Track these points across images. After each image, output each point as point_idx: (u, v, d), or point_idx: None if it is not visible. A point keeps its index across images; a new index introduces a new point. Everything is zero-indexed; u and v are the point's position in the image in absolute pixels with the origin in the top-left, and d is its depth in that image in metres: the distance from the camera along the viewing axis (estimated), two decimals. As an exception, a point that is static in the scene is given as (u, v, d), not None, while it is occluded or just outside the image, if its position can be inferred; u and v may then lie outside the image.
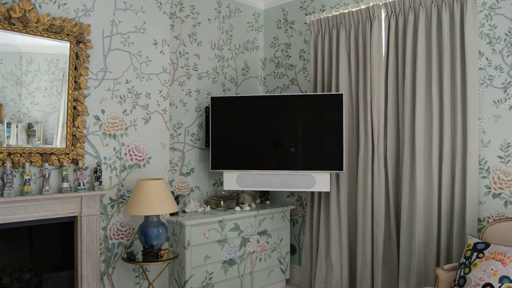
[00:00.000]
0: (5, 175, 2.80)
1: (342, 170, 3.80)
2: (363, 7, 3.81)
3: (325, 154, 3.92)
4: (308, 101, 3.99)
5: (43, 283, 3.05)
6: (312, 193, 4.23)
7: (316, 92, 4.17)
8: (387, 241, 3.72)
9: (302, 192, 4.51)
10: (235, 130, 4.10)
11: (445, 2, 3.33)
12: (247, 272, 4.03)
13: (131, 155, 3.55)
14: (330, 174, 3.94)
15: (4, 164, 2.84)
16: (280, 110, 4.03)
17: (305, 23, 4.43)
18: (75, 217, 3.19)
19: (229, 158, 4.06)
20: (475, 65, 3.21)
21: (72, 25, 3.12)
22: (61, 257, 3.34)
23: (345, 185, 3.95)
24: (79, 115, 3.20)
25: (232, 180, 3.98)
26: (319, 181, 3.87)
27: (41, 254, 3.21)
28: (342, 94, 3.81)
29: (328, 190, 3.88)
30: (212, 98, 4.03)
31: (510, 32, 3.16)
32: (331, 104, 3.86)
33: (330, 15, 4.05)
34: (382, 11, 3.74)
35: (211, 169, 4.04)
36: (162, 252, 3.33)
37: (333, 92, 3.95)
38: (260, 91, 4.92)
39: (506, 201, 3.18)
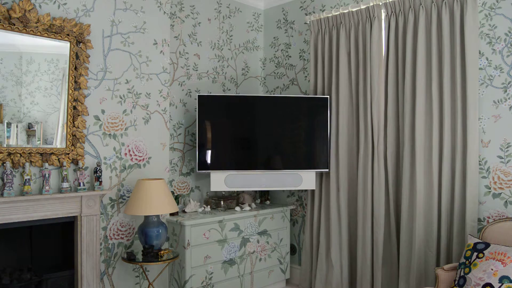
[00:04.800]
0: (5, 175, 2.80)
1: (327, 169, 3.97)
2: (363, 7, 3.81)
3: (312, 153, 4.08)
4: (295, 103, 4.08)
5: (43, 283, 3.05)
6: (313, 193, 4.23)
7: (316, 92, 4.17)
8: (387, 241, 3.72)
9: (302, 192, 4.51)
10: (222, 129, 4.05)
11: (445, 2, 3.33)
12: (247, 272, 4.03)
13: (131, 155, 3.56)
14: (316, 173, 4.07)
15: (4, 164, 2.84)
16: (268, 110, 4.07)
17: (305, 23, 4.43)
18: (75, 217, 3.19)
19: (217, 159, 4.00)
20: (475, 65, 3.21)
21: (72, 25, 3.12)
22: (61, 257, 3.34)
23: (345, 185, 3.96)
24: (79, 115, 3.20)
25: (220, 181, 3.93)
26: (306, 179, 4.00)
27: (41, 254, 3.21)
28: (327, 97, 4.01)
29: (314, 188, 4.06)
30: (199, 96, 3.88)
31: (510, 32, 3.16)
32: (318, 106, 4.02)
33: (330, 15, 4.05)
34: (382, 11, 3.73)
35: (198, 170, 3.90)
36: (162, 252, 3.33)
37: (319, 95, 4.07)
38: (260, 91, 4.92)
39: (506, 201, 3.18)
